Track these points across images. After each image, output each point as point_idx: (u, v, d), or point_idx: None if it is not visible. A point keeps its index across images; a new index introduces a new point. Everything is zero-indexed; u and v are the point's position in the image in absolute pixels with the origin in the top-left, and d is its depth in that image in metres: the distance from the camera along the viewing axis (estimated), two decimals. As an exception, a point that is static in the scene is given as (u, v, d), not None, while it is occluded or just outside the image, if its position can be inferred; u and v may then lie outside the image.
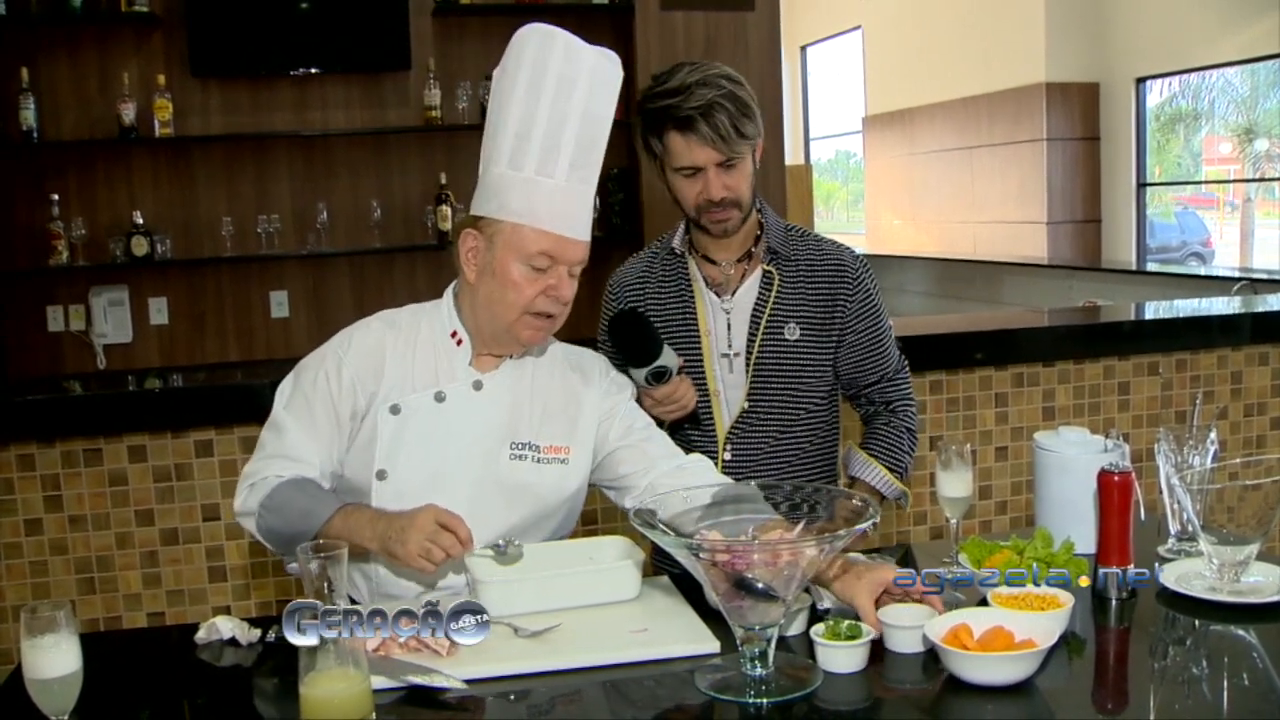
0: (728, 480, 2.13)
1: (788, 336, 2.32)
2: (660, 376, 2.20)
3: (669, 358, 2.21)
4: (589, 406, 2.14)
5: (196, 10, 5.01)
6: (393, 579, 2.08)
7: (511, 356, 2.10)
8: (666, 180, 2.30)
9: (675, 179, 2.27)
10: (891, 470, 2.40)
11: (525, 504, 2.08)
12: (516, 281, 1.98)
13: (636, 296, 2.43)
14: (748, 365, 2.32)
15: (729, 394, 2.34)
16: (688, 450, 2.29)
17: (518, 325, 2.01)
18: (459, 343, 2.08)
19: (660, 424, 2.32)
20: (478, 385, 2.07)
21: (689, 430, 2.37)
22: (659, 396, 2.24)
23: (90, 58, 5.06)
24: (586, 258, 2.03)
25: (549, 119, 1.97)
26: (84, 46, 5.05)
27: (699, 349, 2.35)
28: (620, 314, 2.27)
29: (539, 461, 2.08)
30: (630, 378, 2.23)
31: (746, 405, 2.33)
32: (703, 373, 2.34)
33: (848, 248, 2.40)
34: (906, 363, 2.48)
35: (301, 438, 2.02)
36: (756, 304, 2.33)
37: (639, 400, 2.28)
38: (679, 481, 2.04)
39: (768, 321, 2.32)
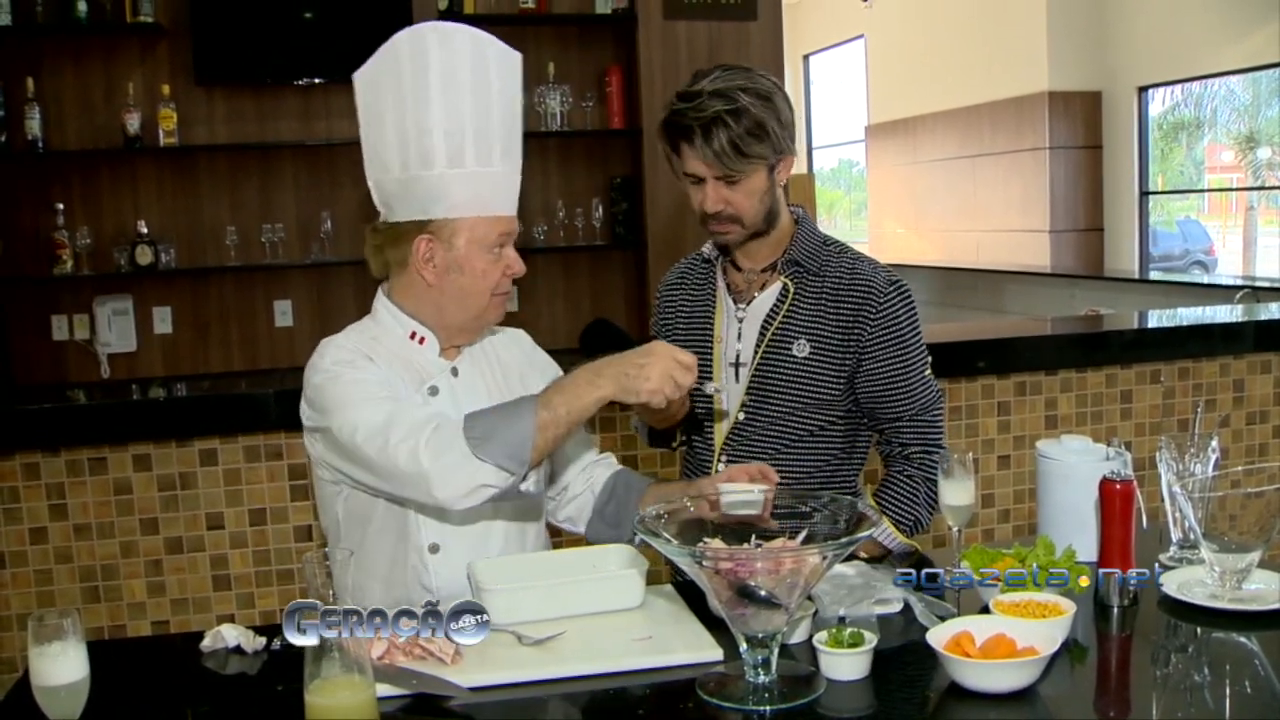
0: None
1: (795, 353, 2.26)
2: None
3: None
4: (534, 373, 2.24)
5: (201, 20, 5.03)
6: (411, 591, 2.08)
7: (470, 344, 2.18)
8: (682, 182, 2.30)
9: (685, 183, 2.27)
10: (898, 524, 2.30)
11: None
12: (485, 270, 2.06)
13: (671, 300, 2.46)
14: (749, 376, 2.30)
15: (732, 403, 2.32)
16: (693, 459, 2.38)
17: (489, 309, 2.11)
18: (421, 341, 2.12)
19: (663, 435, 2.35)
20: (454, 372, 2.14)
21: (694, 437, 2.38)
22: (637, 405, 2.24)
23: (95, 67, 5.08)
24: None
25: (474, 114, 2.01)
26: (89, 56, 5.07)
27: (710, 355, 2.34)
28: (591, 324, 2.27)
29: None
30: None
31: (741, 417, 2.30)
32: (710, 379, 2.33)
33: (885, 271, 2.30)
34: (943, 405, 2.35)
35: (405, 405, 1.96)
36: (768, 315, 2.29)
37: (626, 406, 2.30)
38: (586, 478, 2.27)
39: (774, 334, 2.28)
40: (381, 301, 2.15)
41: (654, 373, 1.89)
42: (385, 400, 1.95)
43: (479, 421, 1.90)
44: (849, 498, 1.91)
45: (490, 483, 1.87)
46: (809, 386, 2.27)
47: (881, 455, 2.39)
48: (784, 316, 2.28)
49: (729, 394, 2.33)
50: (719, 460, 2.33)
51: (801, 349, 2.26)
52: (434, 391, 2.09)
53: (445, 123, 2.01)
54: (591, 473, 2.29)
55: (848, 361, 2.26)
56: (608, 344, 2.24)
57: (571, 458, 2.28)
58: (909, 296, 2.30)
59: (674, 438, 2.41)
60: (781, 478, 2.26)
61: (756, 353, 2.29)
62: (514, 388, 2.20)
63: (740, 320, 2.33)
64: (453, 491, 1.87)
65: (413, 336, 2.11)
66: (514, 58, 2.07)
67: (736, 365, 2.32)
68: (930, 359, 2.34)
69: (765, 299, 2.31)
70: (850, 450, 2.36)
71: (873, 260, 2.33)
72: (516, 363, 2.25)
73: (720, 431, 2.34)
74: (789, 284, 2.29)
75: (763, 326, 2.29)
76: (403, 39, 2.03)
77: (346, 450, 1.96)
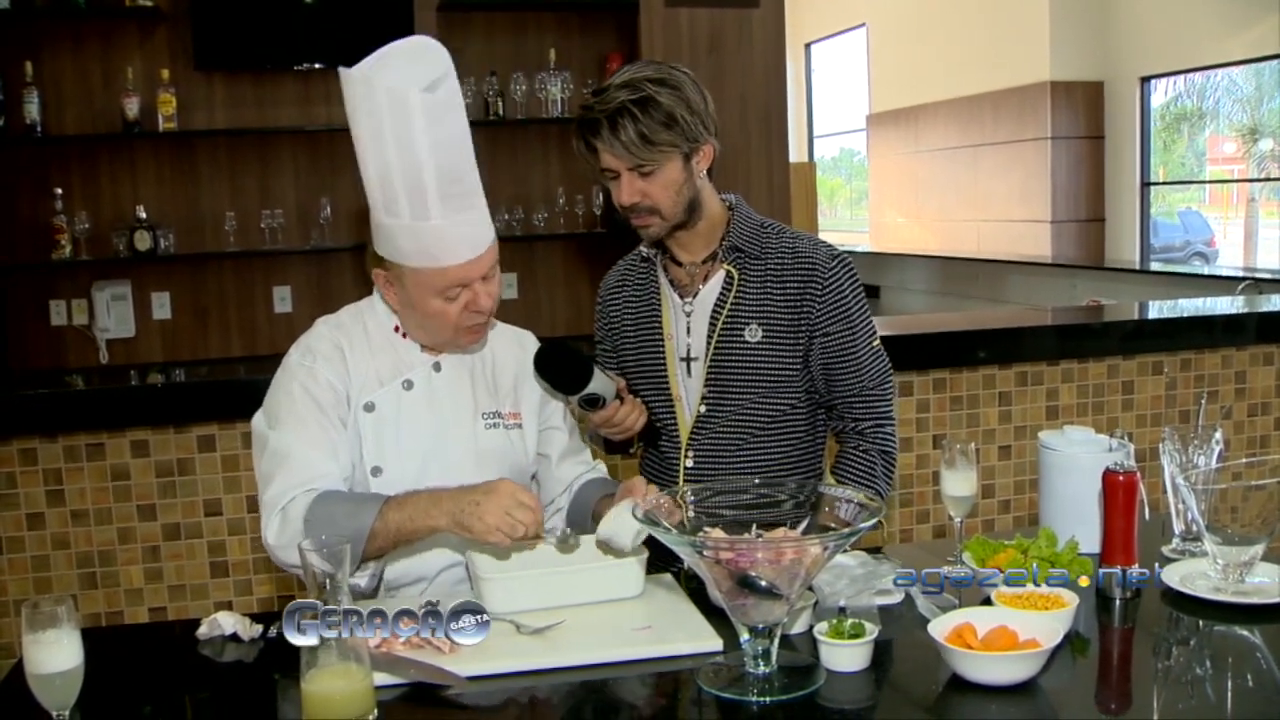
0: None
1: (748, 338, 2.24)
2: (593, 403, 2.18)
3: (599, 384, 2.16)
4: (528, 384, 2.23)
5: (200, 4, 5.00)
6: (403, 572, 2.09)
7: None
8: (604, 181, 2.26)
9: (605, 180, 2.23)
10: None
11: (507, 473, 2.12)
12: (438, 311, 2.03)
13: (615, 302, 2.42)
14: (705, 368, 2.27)
15: (690, 399, 2.30)
16: (658, 459, 2.37)
17: (455, 338, 2.09)
18: (404, 335, 2.13)
19: (614, 444, 2.35)
20: (437, 367, 2.14)
21: (660, 440, 2.36)
22: (597, 421, 2.23)
23: (94, 52, 5.05)
24: (496, 259, 2.06)
25: (402, 166, 1.92)
26: (88, 40, 5.04)
27: (662, 354, 2.31)
28: (542, 346, 2.20)
29: (507, 428, 2.17)
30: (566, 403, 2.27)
31: (703, 410, 2.27)
32: (665, 378, 2.31)
33: (827, 246, 2.29)
34: (892, 379, 2.34)
35: (308, 451, 1.99)
36: (716, 304, 2.26)
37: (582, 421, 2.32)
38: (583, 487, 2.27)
39: (725, 323, 2.24)
40: (378, 289, 2.15)
41: (489, 511, 1.88)
42: (296, 435, 2.00)
43: (326, 508, 1.93)
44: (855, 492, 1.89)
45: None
46: (766, 371, 2.25)
47: (835, 432, 2.37)
48: (732, 303, 2.25)
49: (685, 390, 2.30)
50: (685, 456, 2.30)
51: (754, 334, 2.24)
52: (409, 385, 2.10)
53: (376, 174, 1.95)
54: (574, 486, 2.29)
55: (800, 341, 2.24)
56: (563, 369, 2.17)
57: (562, 478, 2.28)
58: (853, 269, 2.28)
59: (632, 445, 2.38)
60: (749, 467, 2.28)
61: (709, 344, 2.26)
62: (504, 390, 2.19)
63: (688, 314, 2.29)
64: (283, 561, 1.97)
65: (396, 330, 2.13)
66: (443, 102, 1.91)
67: (688, 360, 2.29)
68: (877, 333, 2.31)
69: (710, 289, 2.28)
70: (813, 432, 2.34)
71: (813, 236, 2.33)
72: (513, 366, 2.23)
73: (684, 427, 2.31)
74: (732, 271, 2.26)
75: (712, 316, 2.26)
76: (342, 81, 1.92)
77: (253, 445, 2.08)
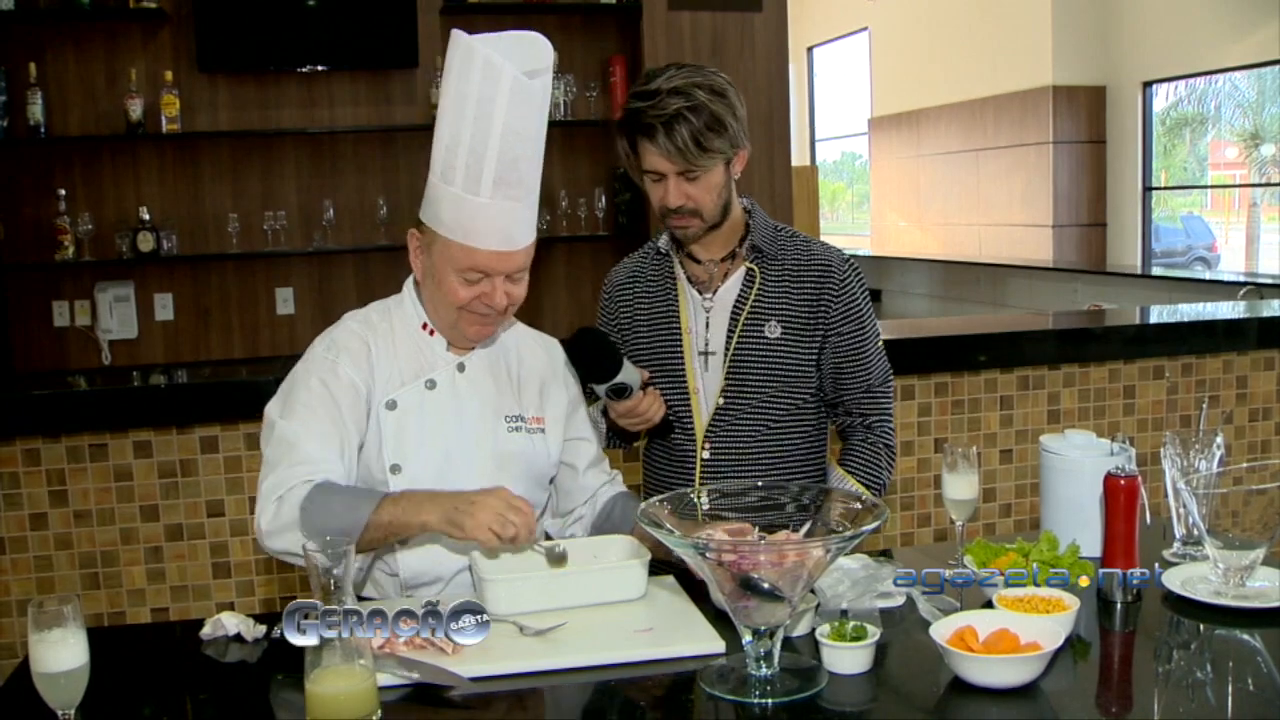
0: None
1: (768, 334, 2.31)
2: (621, 392, 2.20)
3: (629, 374, 2.19)
4: (558, 385, 2.25)
5: (204, 6, 5.01)
6: (420, 571, 2.09)
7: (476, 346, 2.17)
8: (640, 180, 2.32)
9: (644, 180, 2.29)
10: (868, 488, 2.34)
11: (526, 475, 2.15)
12: (452, 288, 2.05)
13: (626, 297, 2.46)
14: (725, 362, 2.32)
15: (707, 392, 2.35)
16: (669, 451, 2.41)
17: (460, 323, 2.09)
18: (431, 333, 2.14)
19: (628, 435, 2.37)
20: (461, 368, 2.15)
21: (672, 431, 2.38)
22: (621, 410, 2.25)
23: (98, 53, 5.06)
24: (527, 263, 2.07)
25: (472, 137, 1.97)
26: (92, 42, 5.05)
27: (680, 347, 2.36)
28: (577, 333, 2.22)
29: (529, 432, 2.18)
30: (593, 391, 2.27)
31: (722, 402, 2.33)
32: (683, 371, 2.35)
33: (837, 250, 2.39)
34: (892, 377, 2.44)
35: (314, 444, 2.00)
36: (737, 301, 2.33)
37: (605, 412, 2.33)
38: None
39: (747, 318, 2.32)
40: (408, 286, 2.18)
41: (482, 510, 1.88)
42: (306, 426, 2.00)
43: (324, 498, 1.93)
44: (858, 493, 1.91)
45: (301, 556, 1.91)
46: (784, 366, 2.32)
47: (839, 427, 2.45)
48: (754, 301, 2.32)
49: (703, 383, 2.35)
50: (702, 448, 2.35)
51: (773, 330, 2.32)
52: (432, 385, 2.11)
53: (446, 138, 2.00)
54: (598, 496, 2.31)
55: (815, 338, 2.33)
56: (596, 357, 2.19)
57: (587, 486, 2.29)
58: (861, 273, 2.39)
59: (638, 438, 2.42)
60: (762, 460, 2.35)
61: (730, 339, 2.33)
62: (528, 394, 2.21)
63: (708, 310, 2.36)
64: (272, 548, 1.96)
65: (424, 327, 2.14)
66: (530, 88, 1.99)
67: (706, 354, 2.35)
68: (880, 334, 2.41)
69: (731, 286, 2.35)
70: (819, 428, 2.42)
71: (823, 241, 2.42)
72: (539, 370, 2.24)
73: (700, 420, 2.35)
74: (754, 269, 2.33)
75: (733, 313, 2.33)
76: (454, 37, 2.01)
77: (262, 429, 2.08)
